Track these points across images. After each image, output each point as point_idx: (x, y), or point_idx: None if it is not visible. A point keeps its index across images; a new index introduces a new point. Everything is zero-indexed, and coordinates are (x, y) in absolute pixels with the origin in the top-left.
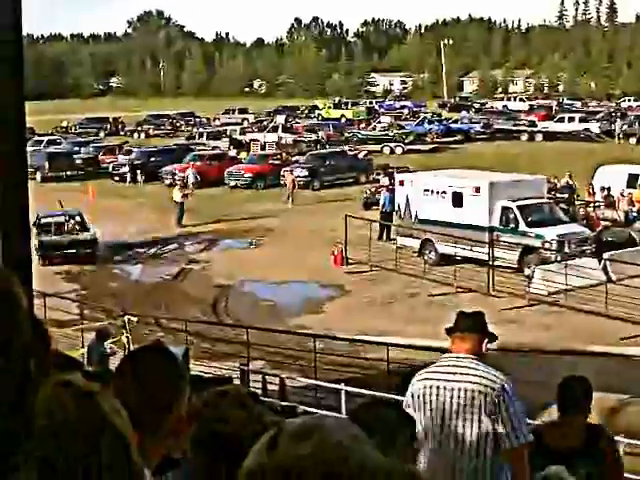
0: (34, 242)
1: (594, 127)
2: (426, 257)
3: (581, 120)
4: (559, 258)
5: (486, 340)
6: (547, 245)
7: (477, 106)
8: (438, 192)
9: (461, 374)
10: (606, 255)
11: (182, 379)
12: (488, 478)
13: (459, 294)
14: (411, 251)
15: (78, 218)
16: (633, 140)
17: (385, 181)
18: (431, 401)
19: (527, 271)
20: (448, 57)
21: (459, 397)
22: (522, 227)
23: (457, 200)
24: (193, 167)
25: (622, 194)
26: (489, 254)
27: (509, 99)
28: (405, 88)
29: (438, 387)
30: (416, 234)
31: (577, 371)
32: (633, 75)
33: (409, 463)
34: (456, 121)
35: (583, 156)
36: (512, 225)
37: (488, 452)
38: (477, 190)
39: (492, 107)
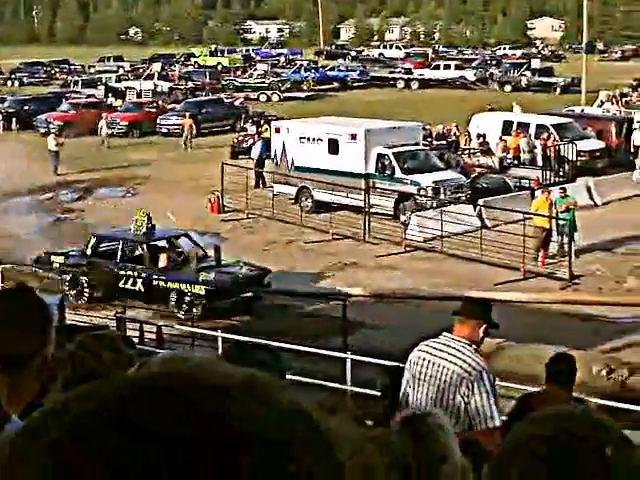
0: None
1: (470, 75)
2: (302, 204)
3: (457, 68)
4: (434, 205)
5: (483, 327)
6: (423, 192)
7: (353, 54)
8: (314, 139)
9: (449, 354)
10: (481, 201)
11: (47, 321)
12: None
13: (335, 241)
14: (288, 198)
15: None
16: (508, 87)
17: (253, 129)
18: (421, 372)
19: (403, 218)
20: (324, 5)
21: (443, 374)
22: (398, 174)
23: (333, 147)
24: (107, 117)
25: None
26: (365, 201)
27: (385, 47)
28: (282, 36)
29: (429, 361)
30: (292, 181)
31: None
32: (508, 23)
33: None
34: (332, 69)
35: (459, 103)
36: (388, 172)
37: (460, 429)
38: (353, 137)
39: (368, 55)
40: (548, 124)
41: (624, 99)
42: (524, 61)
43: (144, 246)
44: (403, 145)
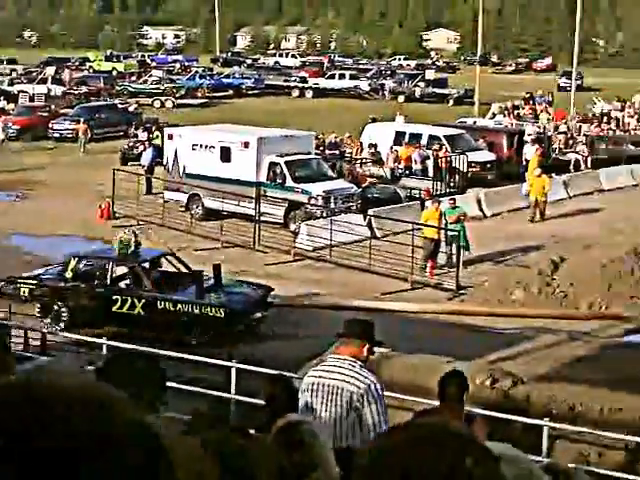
0: None
1: (364, 85)
2: (193, 212)
3: (352, 77)
4: (325, 214)
5: (367, 347)
6: (313, 201)
7: (249, 62)
8: (207, 146)
9: (337, 373)
10: (371, 211)
11: None
12: None
13: (225, 249)
14: (178, 205)
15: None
16: (402, 98)
17: (144, 136)
18: (315, 395)
19: (293, 226)
20: (222, 12)
21: (334, 394)
22: (289, 182)
23: (225, 155)
24: (4, 121)
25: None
26: (255, 209)
27: (281, 55)
28: (178, 42)
29: (320, 383)
30: (183, 188)
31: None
32: (404, 34)
33: (156, 413)
34: (228, 76)
35: (352, 113)
36: (279, 180)
37: (357, 442)
38: (246, 145)
39: (264, 63)
40: (440, 135)
41: (516, 111)
42: (418, 72)
43: (133, 267)
44: (295, 154)
